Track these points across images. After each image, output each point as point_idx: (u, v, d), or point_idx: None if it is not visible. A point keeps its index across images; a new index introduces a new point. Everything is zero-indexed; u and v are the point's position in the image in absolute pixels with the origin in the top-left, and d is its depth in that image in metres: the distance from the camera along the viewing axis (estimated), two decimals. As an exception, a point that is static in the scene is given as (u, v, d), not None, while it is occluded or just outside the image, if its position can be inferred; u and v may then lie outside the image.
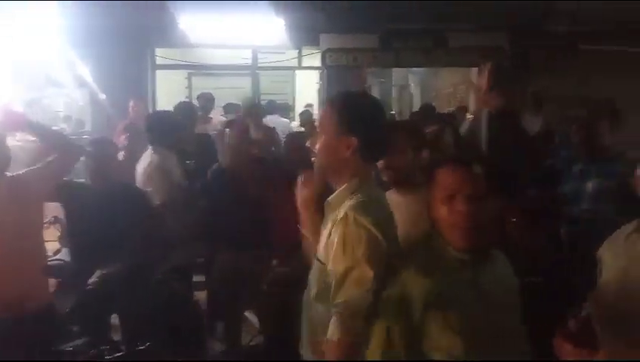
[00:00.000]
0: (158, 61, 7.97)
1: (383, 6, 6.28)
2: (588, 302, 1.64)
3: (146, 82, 7.70)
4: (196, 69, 8.87)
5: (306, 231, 1.92)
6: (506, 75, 3.43)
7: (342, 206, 1.67)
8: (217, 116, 6.53)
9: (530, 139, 3.75)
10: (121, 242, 2.93)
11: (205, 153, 4.20)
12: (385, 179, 2.29)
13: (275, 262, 3.39)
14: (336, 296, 1.59)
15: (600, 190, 3.19)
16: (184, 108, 4.60)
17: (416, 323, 1.55)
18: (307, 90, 9.63)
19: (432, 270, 1.59)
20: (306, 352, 1.82)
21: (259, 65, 8.27)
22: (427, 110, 6.20)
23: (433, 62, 8.06)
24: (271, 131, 5.13)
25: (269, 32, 7.09)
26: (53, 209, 3.38)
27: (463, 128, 4.44)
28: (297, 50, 8.13)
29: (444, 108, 8.94)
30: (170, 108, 4.67)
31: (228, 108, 7.15)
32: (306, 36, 7.57)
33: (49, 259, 2.92)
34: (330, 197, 1.75)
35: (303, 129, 6.53)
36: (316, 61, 7.93)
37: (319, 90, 8.76)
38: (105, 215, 2.96)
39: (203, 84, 8.54)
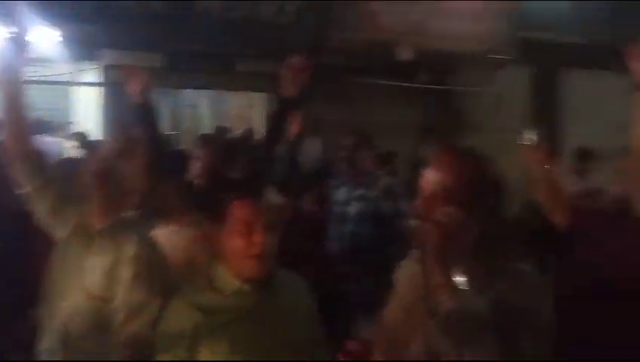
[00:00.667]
0: None
1: (169, 25, 6.19)
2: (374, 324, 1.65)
3: None
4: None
5: None
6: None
7: None
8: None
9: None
10: None
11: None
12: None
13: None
14: None
15: (361, 213, 3.48)
16: None
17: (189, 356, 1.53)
18: (85, 106, 8.92)
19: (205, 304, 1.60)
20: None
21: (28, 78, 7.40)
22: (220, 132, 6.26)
23: (219, 85, 8.14)
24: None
25: (42, 43, 6.42)
26: None
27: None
28: (74, 65, 7.52)
29: (235, 129, 9.08)
30: None
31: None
32: (85, 50, 7.04)
33: None
34: None
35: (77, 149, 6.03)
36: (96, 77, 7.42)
37: (98, 108, 8.18)
38: None
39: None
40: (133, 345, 1.64)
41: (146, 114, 2.63)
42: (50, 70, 7.61)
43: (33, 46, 1.96)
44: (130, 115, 2.68)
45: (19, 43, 1.87)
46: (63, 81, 8.04)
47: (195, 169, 2.70)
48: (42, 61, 7.30)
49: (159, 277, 1.72)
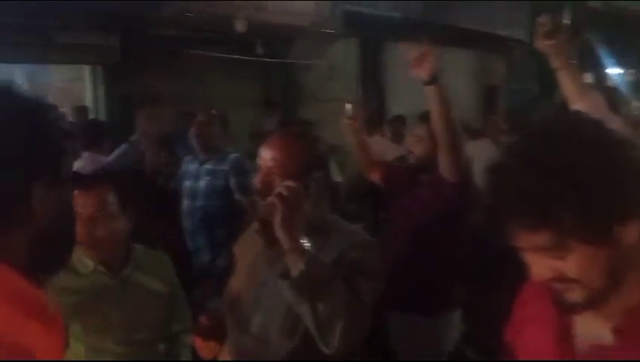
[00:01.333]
0: None
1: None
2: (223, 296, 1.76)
3: None
4: None
5: None
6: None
7: None
8: None
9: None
10: None
11: None
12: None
13: None
14: None
15: (210, 188, 3.54)
16: None
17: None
18: None
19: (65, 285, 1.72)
20: None
21: None
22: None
23: (39, 58, 7.49)
24: None
25: None
26: None
27: None
28: None
29: (60, 105, 8.42)
30: None
31: None
32: None
33: None
34: None
35: None
36: None
37: None
38: None
39: None
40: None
41: None
42: None
43: None
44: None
45: None
46: None
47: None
48: None
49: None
